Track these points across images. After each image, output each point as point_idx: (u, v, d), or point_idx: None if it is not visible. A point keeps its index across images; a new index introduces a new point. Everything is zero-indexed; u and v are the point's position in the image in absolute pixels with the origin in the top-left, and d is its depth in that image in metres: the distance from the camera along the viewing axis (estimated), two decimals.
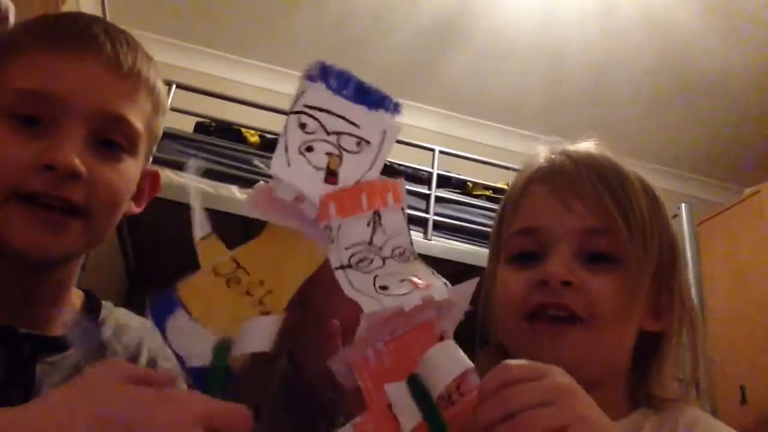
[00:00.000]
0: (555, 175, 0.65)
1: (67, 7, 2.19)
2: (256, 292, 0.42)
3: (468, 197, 2.26)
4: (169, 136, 1.94)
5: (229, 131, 2.11)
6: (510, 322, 0.63)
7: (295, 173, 0.43)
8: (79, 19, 0.68)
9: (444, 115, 3.31)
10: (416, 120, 3.26)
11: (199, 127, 2.17)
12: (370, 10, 2.72)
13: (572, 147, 0.69)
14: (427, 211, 2.08)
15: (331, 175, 0.43)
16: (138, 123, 0.66)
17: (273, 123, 2.20)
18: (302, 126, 0.44)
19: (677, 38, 2.71)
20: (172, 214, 1.90)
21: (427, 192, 2.13)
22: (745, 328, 2.58)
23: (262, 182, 0.45)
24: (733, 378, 2.51)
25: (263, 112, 2.17)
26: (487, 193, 2.32)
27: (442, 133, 3.22)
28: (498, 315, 0.65)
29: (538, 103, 3.14)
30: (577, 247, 0.61)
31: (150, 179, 0.75)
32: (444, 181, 2.25)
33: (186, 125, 2.13)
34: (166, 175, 1.87)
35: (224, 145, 2.01)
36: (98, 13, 2.53)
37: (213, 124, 2.15)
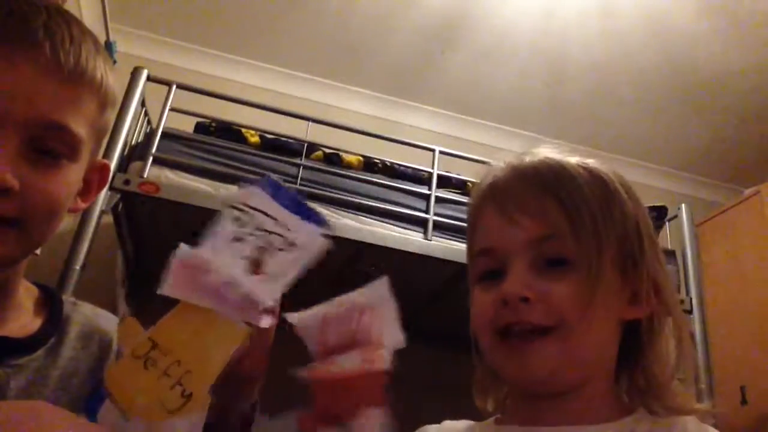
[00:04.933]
0: (498, 192, 0.67)
1: (67, 7, 2.19)
2: (174, 372, 0.43)
3: (468, 197, 2.26)
4: (169, 136, 1.94)
5: (229, 131, 2.11)
6: (485, 341, 0.65)
7: (222, 260, 0.46)
8: (16, 10, 0.60)
9: (444, 115, 3.31)
10: (416, 120, 3.26)
11: (199, 127, 2.16)
12: (371, 10, 2.72)
13: (519, 159, 0.69)
14: (427, 212, 2.08)
15: (256, 266, 0.46)
16: (79, 128, 0.61)
17: (273, 123, 2.20)
18: (236, 219, 0.48)
19: (677, 38, 2.71)
20: (172, 213, 1.91)
21: (427, 192, 2.13)
22: (745, 328, 2.58)
23: (178, 260, 0.46)
24: (733, 378, 2.51)
25: (263, 112, 2.16)
26: None
27: (442, 134, 3.22)
28: (475, 333, 0.67)
29: (538, 103, 3.14)
30: (531, 258, 0.62)
31: (98, 172, 0.71)
32: (444, 182, 2.25)
33: (186, 125, 2.13)
34: (166, 175, 1.87)
35: (224, 145, 2.01)
36: (98, 13, 2.53)
37: (213, 124, 2.15)
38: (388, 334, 0.49)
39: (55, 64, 0.59)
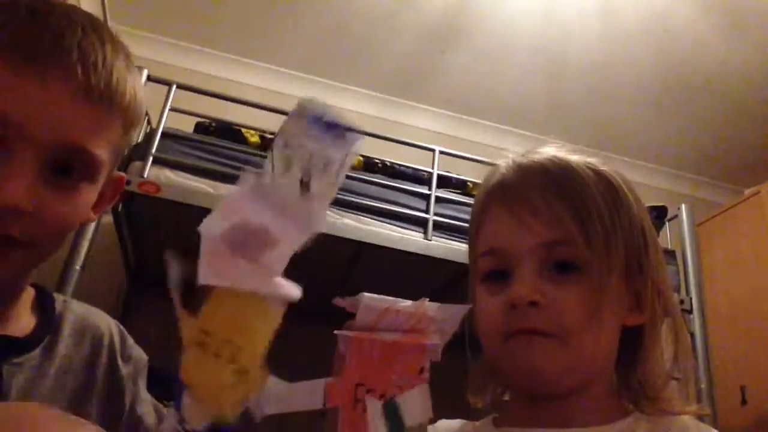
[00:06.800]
0: (508, 193, 0.66)
1: None
2: (225, 351, 0.44)
3: (468, 197, 2.25)
4: (169, 136, 1.94)
5: (229, 131, 2.11)
6: (491, 344, 0.65)
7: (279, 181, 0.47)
8: (51, 24, 0.58)
9: (444, 115, 3.31)
10: (416, 120, 3.26)
11: (199, 127, 2.16)
12: (371, 10, 2.72)
13: (526, 157, 0.68)
14: (427, 212, 2.08)
15: (304, 188, 0.47)
16: (101, 152, 0.61)
17: (273, 123, 2.20)
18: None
19: (677, 38, 2.70)
20: (172, 213, 1.91)
21: (427, 192, 2.12)
22: (745, 328, 2.58)
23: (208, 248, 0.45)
24: (733, 378, 2.51)
25: (263, 112, 2.16)
26: None
27: (442, 134, 3.22)
28: (480, 335, 0.66)
29: (538, 103, 3.14)
30: (540, 261, 0.62)
31: (113, 185, 0.70)
32: (444, 182, 2.25)
33: (186, 125, 2.13)
34: (166, 175, 1.87)
35: (224, 145, 2.01)
36: (98, 13, 2.53)
37: (213, 124, 2.15)
38: (431, 342, 0.48)
39: (86, 87, 0.58)
